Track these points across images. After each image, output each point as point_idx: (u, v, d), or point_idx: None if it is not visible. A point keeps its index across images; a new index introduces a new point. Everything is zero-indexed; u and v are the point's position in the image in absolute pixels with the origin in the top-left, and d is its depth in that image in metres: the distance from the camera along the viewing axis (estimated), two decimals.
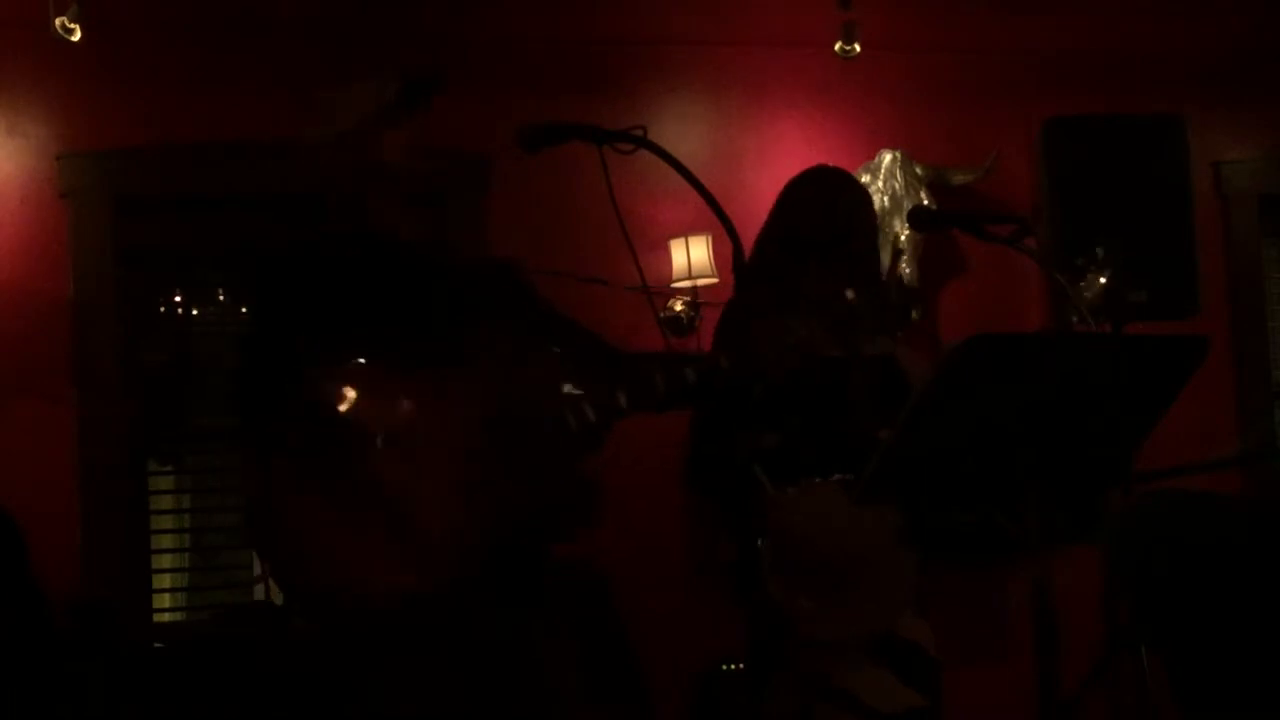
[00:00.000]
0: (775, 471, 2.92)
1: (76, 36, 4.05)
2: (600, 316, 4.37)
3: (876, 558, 2.92)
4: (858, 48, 4.55)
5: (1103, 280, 3.01)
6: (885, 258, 4.68)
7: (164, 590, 4.62)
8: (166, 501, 4.64)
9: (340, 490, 2.35)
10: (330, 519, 2.35)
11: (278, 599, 3.72)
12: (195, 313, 4.63)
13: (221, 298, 4.66)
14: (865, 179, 4.70)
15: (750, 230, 3.06)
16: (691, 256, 4.51)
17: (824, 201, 3.12)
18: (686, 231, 4.50)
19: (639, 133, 2.45)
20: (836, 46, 4.56)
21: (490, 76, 4.58)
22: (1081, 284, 2.96)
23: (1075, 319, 2.83)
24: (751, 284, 2.99)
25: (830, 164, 3.28)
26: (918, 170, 4.70)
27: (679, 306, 4.60)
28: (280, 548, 2.38)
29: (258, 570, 4.38)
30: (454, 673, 2.34)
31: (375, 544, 2.33)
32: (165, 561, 4.57)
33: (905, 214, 4.43)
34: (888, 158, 4.69)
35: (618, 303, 4.46)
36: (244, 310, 4.50)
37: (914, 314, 2.50)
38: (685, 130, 4.71)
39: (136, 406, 4.41)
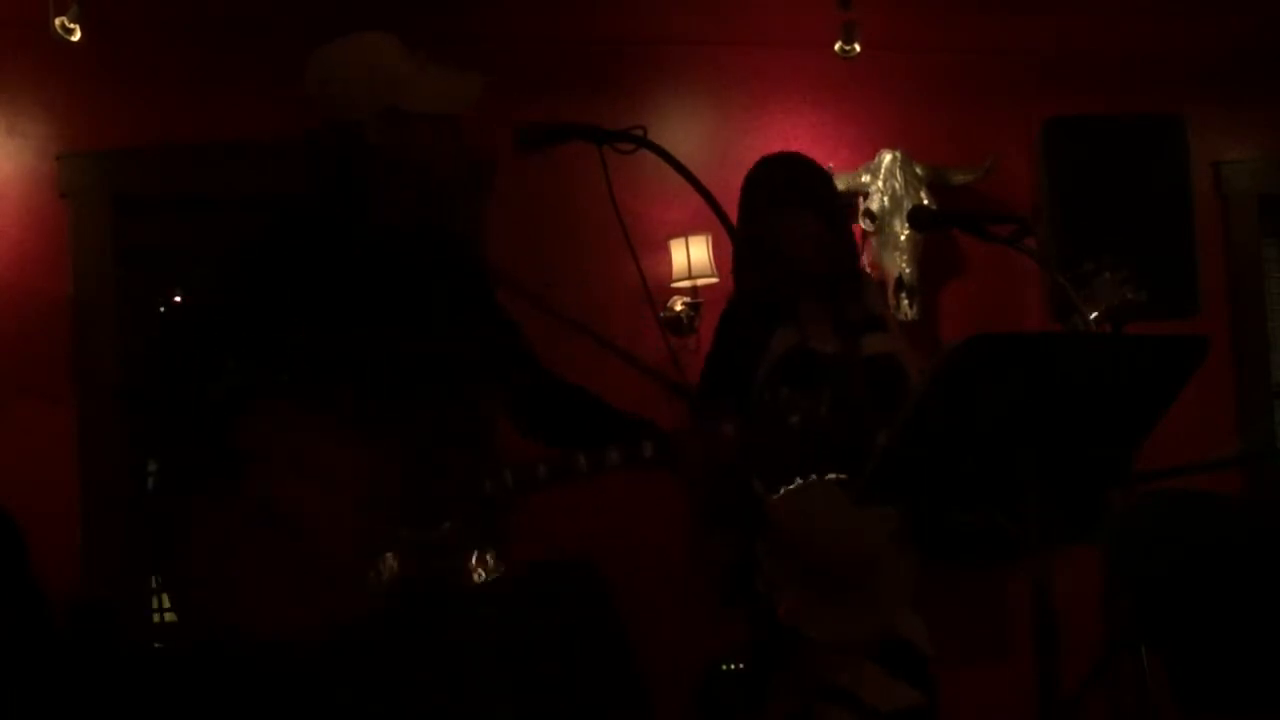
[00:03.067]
0: (771, 474, 2.92)
1: (76, 36, 4.05)
2: (601, 317, 4.39)
3: (875, 558, 2.92)
4: (858, 48, 4.55)
5: (1107, 276, 3.02)
6: (888, 257, 4.68)
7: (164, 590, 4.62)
8: None
9: (250, 523, 2.30)
10: (241, 553, 2.30)
11: None
12: None
13: None
14: (865, 179, 4.71)
15: None
16: (691, 256, 4.51)
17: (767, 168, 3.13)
18: (686, 231, 4.50)
19: (639, 133, 2.45)
20: (836, 46, 4.56)
21: (490, 76, 4.57)
22: (1089, 288, 2.97)
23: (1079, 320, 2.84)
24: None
25: (818, 165, 3.29)
26: (918, 170, 4.70)
27: (679, 306, 4.60)
28: (188, 581, 2.33)
29: None
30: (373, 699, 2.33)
31: (287, 579, 2.30)
32: None
33: (905, 214, 4.44)
34: (888, 158, 4.69)
35: (618, 303, 4.47)
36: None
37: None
38: (685, 130, 4.71)
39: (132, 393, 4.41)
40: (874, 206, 4.67)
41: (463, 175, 2.52)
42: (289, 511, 2.30)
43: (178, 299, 3.44)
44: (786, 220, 3.05)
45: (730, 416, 2.45)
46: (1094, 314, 2.89)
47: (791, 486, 2.90)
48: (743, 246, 3.08)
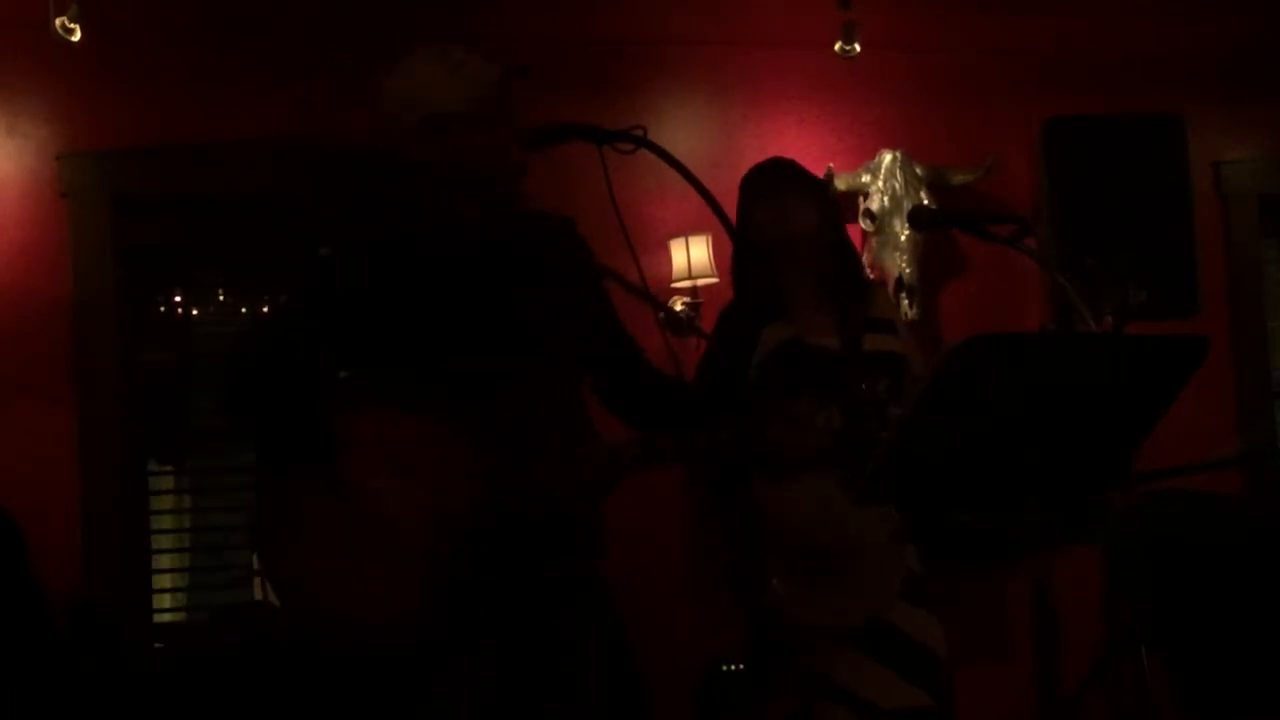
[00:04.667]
0: (771, 467, 2.92)
1: (76, 36, 4.05)
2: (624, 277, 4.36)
3: (868, 546, 2.92)
4: (858, 48, 4.55)
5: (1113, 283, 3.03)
6: (888, 257, 4.68)
7: (164, 590, 4.62)
8: (166, 501, 4.64)
9: (347, 514, 2.35)
10: (338, 543, 2.34)
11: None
12: (195, 313, 4.63)
13: (221, 298, 4.66)
14: (865, 179, 4.71)
15: None
16: (691, 256, 4.51)
17: (769, 206, 3.10)
18: (686, 231, 4.50)
19: (639, 133, 2.44)
20: (836, 46, 4.56)
21: (515, 66, 4.56)
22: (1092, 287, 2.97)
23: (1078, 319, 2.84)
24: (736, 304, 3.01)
25: (817, 164, 3.27)
26: (918, 170, 4.70)
27: (679, 306, 4.60)
28: (288, 569, 2.38)
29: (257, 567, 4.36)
30: (459, 690, 2.35)
31: (381, 569, 2.33)
32: (165, 561, 4.57)
33: (905, 214, 4.44)
34: (888, 158, 4.69)
35: (618, 302, 4.46)
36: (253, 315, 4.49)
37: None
38: (685, 130, 4.71)
39: (136, 406, 4.41)
40: (874, 206, 4.67)
41: (507, 170, 2.50)
42: (375, 501, 2.33)
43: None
44: (780, 199, 3.05)
45: (834, 404, 2.46)
46: (1108, 314, 2.89)
47: (787, 479, 2.90)
48: (739, 248, 3.09)
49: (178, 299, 4.62)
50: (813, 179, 3.18)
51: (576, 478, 2.40)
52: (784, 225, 3.05)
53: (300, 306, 2.52)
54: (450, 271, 2.45)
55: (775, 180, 3.10)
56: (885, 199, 4.66)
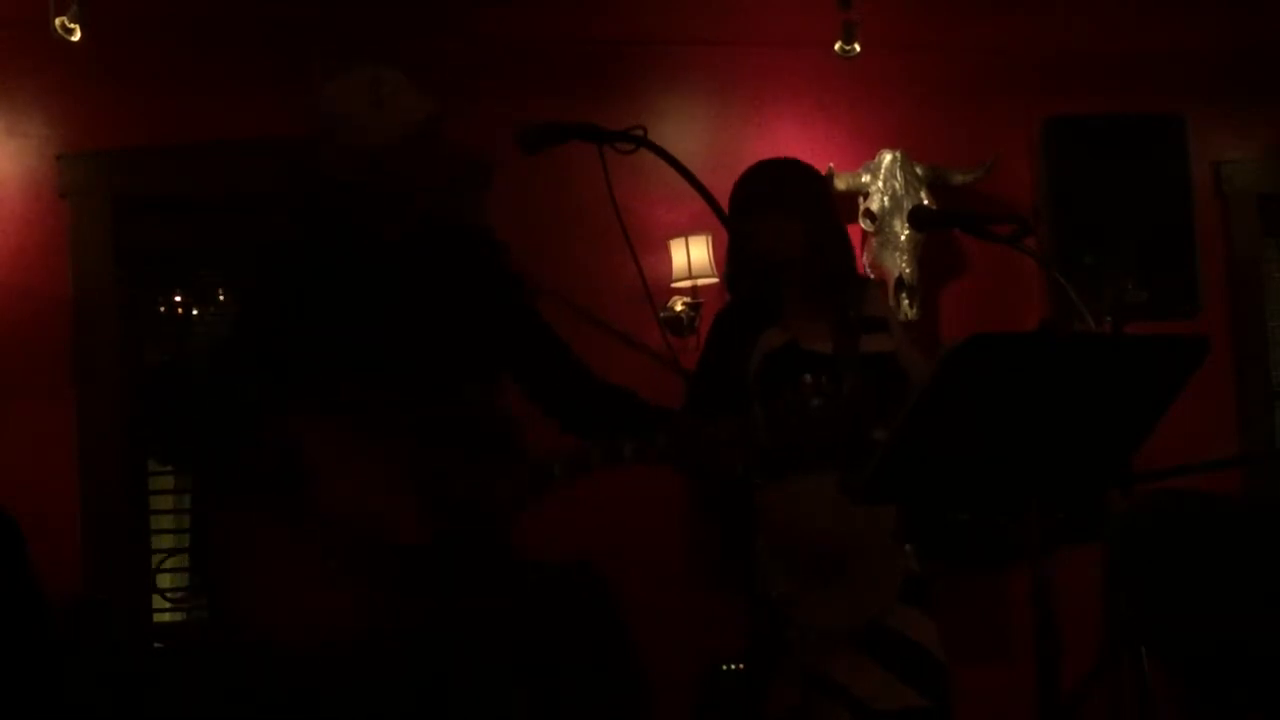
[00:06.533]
0: (767, 469, 2.92)
1: (76, 36, 4.05)
2: (601, 317, 4.40)
3: (869, 546, 2.92)
4: (858, 48, 4.55)
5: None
6: (888, 257, 4.68)
7: (164, 590, 4.62)
8: (166, 501, 4.64)
9: (292, 531, 2.33)
10: (283, 560, 2.32)
11: None
12: (195, 313, 4.63)
13: (221, 298, 4.66)
14: (865, 179, 4.71)
15: None
16: (691, 256, 4.51)
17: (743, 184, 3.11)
18: (686, 231, 4.50)
19: (639, 133, 2.44)
20: (836, 46, 4.56)
21: (491, 77, 4.58)
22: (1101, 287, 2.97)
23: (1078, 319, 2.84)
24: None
25: (817, 164, 3.27)
26: (918, 170, 4.70)
27: (679, 306, 4.60)
28: (230, 587, 2.35)
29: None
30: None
31: (328, 585, 2.31)
32: (165, 562, 4.57)
33: (905, 214, 4.44)
34: (888, 158, 4.69)
35: (618, 303, 4.47)
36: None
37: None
38: (685, 130, 4.71)
39: (137, 407, 4.41)
40: (874, 206, 4.67)
41: (440, 182, 2.53)
42: (325, 512, 2.31)
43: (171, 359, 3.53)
44: (763, 221, 3.04)
45: (750, 410, 2.44)
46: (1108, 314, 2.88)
47: (787, 480, 2.90)
48: (731, 256, 3.10)
49: (178, 299, 4.62)
50: (798, 183, 3.12)
51: (499, 491, 2.38)
52: (767, 245, 3.03)
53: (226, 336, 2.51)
54: (372, 288, 2.45)
55: (756, 197, 3.07)
56: (885, 199, 4.66)
